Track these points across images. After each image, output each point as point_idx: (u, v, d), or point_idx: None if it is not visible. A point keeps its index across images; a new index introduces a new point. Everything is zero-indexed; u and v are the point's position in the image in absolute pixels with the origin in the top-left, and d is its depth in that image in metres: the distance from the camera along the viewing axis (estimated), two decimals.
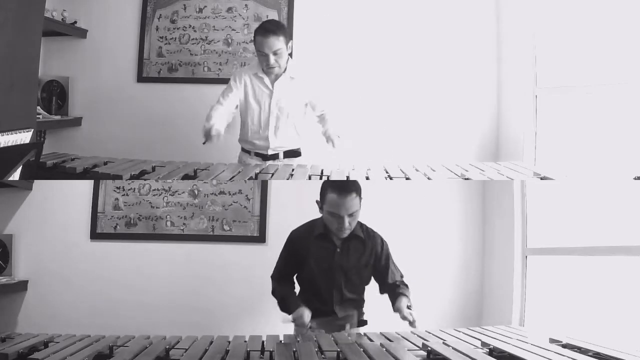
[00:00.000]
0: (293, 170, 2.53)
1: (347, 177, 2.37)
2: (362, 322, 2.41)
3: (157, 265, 3.27)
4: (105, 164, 2.58)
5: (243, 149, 2.82)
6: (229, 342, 2.06)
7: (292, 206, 3.21)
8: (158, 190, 3.32)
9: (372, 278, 2.43)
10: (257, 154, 2.76)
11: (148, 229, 3.30)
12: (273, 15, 3.47)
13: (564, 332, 2.11)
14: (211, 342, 2.03)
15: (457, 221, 3.36)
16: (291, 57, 2.72)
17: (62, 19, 3.32)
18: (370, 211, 3.08)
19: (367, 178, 2.40)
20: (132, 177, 2.37)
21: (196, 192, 3.32)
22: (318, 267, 2.31)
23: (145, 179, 2.44)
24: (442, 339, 2.07)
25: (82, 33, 3.47)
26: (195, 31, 3.50)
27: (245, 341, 2.07)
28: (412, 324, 2.15)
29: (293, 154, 2.78)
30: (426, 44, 3.43)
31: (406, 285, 2.37)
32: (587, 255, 2.52)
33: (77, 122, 3.49)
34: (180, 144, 3.36)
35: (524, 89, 3.14)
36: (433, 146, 3.39)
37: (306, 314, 2.19)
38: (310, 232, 2.34)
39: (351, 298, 2.35)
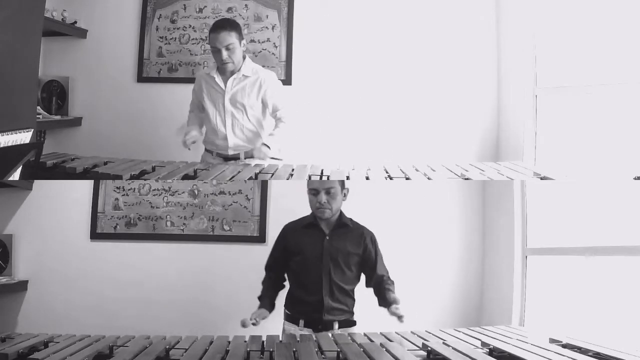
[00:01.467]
0: (293, 170, 2.53)
1: (347, 177, 2.37)
2: (352, 323, 2.42)
3: (157, 265, 3.27)
4: (105, 164, 2.58)
5: (206, 149, 2.83)
6: (229, 342, 2.06)
7: (292, 206, 3.20)
8: (158, 190, 3.32)
9: (362, 273, 2.47)
10: (219, 155, 2.77)
11: (148, 229, 3.30)
12: (273, 15, 3.47)
13: (564, 332, 2.12)
14: (211, 342, 2.04)
15: (457, 221, 3.35)
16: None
17: (62, 19, 3.32)
18: (370, 211, 3.10)
19: (367, 178, 2.40)
20: (132, 177, 2.37)
21: (196, 192, 3.32)
22: (307, 255, 2.39)
23: (145, 179, 2.44)
24: (442, 339, 2.07)
25: (82, 33, 3.47)
26: (195, 31, 3.50)
27: (245, 341, 2.07)
28: (400, 319, 2.19)
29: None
30: (426, 44, 3.43)
31: (392, 281, 2.44)
32: (587, 255, 2.51)
33: (77, 122, 3.49)
34: (180, 144, 3.35)
35: (524, 89, 3.13)
36: (433, 146, 3.38)
37: (262, 314, 2.32)
38: (301, 223, 2.47)
39: (340, 290, 2.37)
